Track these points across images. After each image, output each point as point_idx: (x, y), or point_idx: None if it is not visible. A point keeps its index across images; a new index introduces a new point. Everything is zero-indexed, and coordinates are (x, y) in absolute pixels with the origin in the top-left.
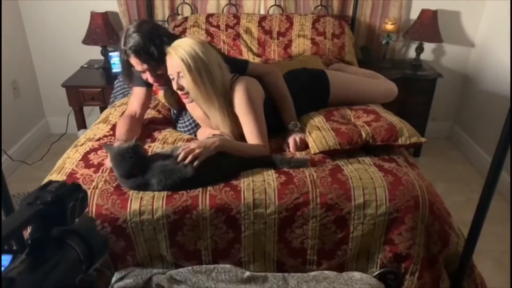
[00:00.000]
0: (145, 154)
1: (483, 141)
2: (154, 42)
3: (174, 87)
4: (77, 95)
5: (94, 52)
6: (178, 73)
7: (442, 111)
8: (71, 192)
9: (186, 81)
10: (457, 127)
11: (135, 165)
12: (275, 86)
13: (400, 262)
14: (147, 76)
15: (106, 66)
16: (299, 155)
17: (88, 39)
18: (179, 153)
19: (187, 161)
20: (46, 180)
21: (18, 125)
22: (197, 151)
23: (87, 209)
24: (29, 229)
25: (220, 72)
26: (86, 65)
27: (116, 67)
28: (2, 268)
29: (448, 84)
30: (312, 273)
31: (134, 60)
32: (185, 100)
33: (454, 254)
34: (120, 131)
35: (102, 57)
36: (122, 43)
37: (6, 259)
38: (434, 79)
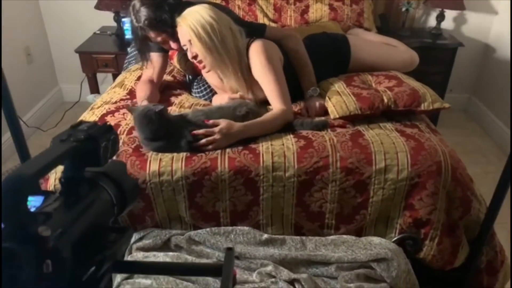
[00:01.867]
0: (169, 116)
1: (502, 113)
2: (162, 8)
3: (189, 56)
4: (90, 61)
5: (107, 18)
6: (190, 41)
7: (460, 82)
8: (103, 132)
9: (197, 49)
10: (475, 98)
11: (161, 127)
12: (294, 51)
13: (419, 227)
14: (170, 44)
15: (118, 32)
16: (319, 120)
17: (101, 4)
18: (200, 132)
19: (202, 142)
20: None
21: (32, 92)
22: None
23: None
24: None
25: (232, 35)
26: (98, 31)
27: (129, 34)
28: (34, 209)
29: (468, 54)
30: (330, 237)
31: (152, 33)
32: (202, 70)
33: (475, 221)
34: (141, 95)
35: (114, 24)
36: (134, 20)
37: (38, 199)
38: (454, 49)
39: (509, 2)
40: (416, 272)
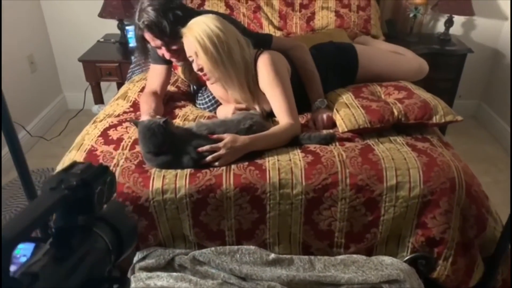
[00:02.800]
0: (174, 130)
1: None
2: (167, 16)
3: (195, 68)
4: (94, 70)
5: (110, 26)
6: (196, 53)
7: (469, 88)
8: (98, 175)
9: (203, 61)
10: (485, 105)
11: (165, 141)
12: (302, 61)
13: (432, 246)
14: (163, 51)
15: (122, 40)
16: (326, 133)
17: (104, 12)
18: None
19: (208, 159)
20: (66, 158)
21: (36, 100)
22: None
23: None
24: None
25: (239, 47)
26: (102, 39)
27: (133, 42)
28: (24, 259)
29: (477, 60)
30: (340, 257)
31: (148, 35)
32: (207, 81)
33: (490, 239)
34: (145, 108)
35: (118, 31)
36: (137, 17)
37: (28, 248)
38: (463, 55)
39: None
40: None
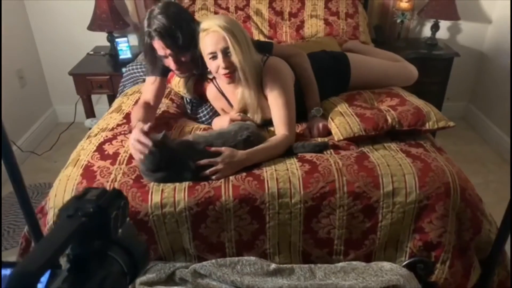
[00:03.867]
0: (171, 145)
1: (500, 120)
2: (180, 26)
3: (222, 66)
4: (84, 83)
5: (100, 39)
6: (223, 49)
7: (457, 91)
8: (112, 200)
9: (236, 53)
10: (473, 106)
11: (162, 159)
12: (301, 69)
13: (430, 250)
14: (170, 61)
15: (112, 52)
16: (320, 141)
17: (94, 25)
18: (204, 162)
19: (206, 173)
20: (63, 174)
21: (26, 115)
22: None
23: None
24: None
25: (253, 48)
26: (92, 52)
27: (123, 54)
28: (41, 286)
29: (464, 63)
30: (340, 264)
31: (158, 44)
32: (228, 80)
33: (485, 241)
34: (135, 117)
35: (108, 44)
36: (146, 24)
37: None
38: (450, 58)
39: (502, 11)
40: None
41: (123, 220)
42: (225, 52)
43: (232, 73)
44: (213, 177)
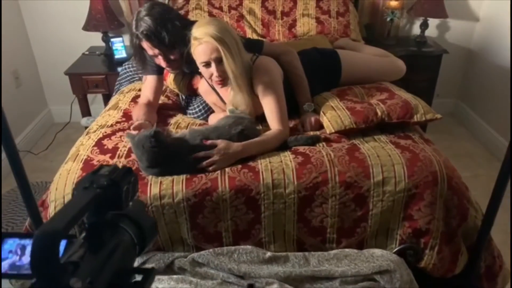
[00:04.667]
0: (166, 140)
1: (488, 115)
2: (165, 26)
3: (215, 74)
4: (80, 82)
5: (95, 39)
6: (216, 59)
7: (446, 87)
8: (124, 176)
9: (228, 63)
10: (462, 103)
11: (158, 156)
12: (291, 66)
13: (419, 237)
14: (160, 60)
15: (107, 52)
16: (312, 134)
17: (89, 25)
18: (200, 155)
19: (202, 165)
20: (63, 169)
21: (22, 115)
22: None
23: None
24: None
25: (243, 50)
26: (87, 52)
27: (119, 53)
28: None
29: (452, 60)
30: (333, 251)
31: (146, 44)
32: (219, 85)
33: (472, 228)
34: (135, 116)
35: (103, 44)
36: (134, 26)
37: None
38: (439, 55)
39: (489, 9)
40: (418, 281)
41: (133, 195)
42: (218, 61)
43: (224, 80)
44: (210, 168)
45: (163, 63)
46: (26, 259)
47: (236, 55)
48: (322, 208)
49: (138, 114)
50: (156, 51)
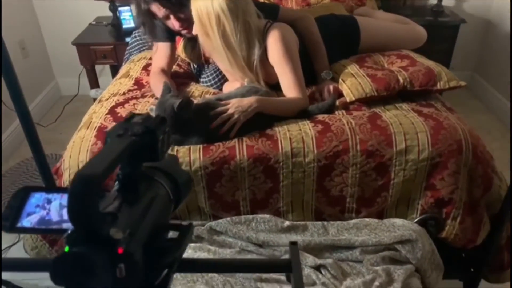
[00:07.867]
0: (190, 112)
1: (504, 89)
2: None
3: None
4: (88, 53)
5: (102, 9)
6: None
7: (462, 60)
8: (159, 124)
9: (200, 35)
10: (477, 75)
11: (177, 123)
12: (308, 33)
13: (441, 207)
14: (172, 22)
15: (115, 22)
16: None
17: None
18: (216, 115)
19: (224, 128)
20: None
21: (29, 87)
22: (235, 116)
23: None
24: None
25: (244, 28)
26: (94, 22)
27: (126, 23)
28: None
29: (469, 31)
30: (352, 221)
31: (154, 6)
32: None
33: (495, 198)
34: (158, 87)
35: (110, 14)
36: None
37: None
38: (457, 26)
39: None
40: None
41: (168, 146)
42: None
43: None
44: (232, 132)
45: (176, 24)
46: (54, 215)
47: (213, 38)
48: (342, 177)
49: (156, 84)
50: (166, 10)
